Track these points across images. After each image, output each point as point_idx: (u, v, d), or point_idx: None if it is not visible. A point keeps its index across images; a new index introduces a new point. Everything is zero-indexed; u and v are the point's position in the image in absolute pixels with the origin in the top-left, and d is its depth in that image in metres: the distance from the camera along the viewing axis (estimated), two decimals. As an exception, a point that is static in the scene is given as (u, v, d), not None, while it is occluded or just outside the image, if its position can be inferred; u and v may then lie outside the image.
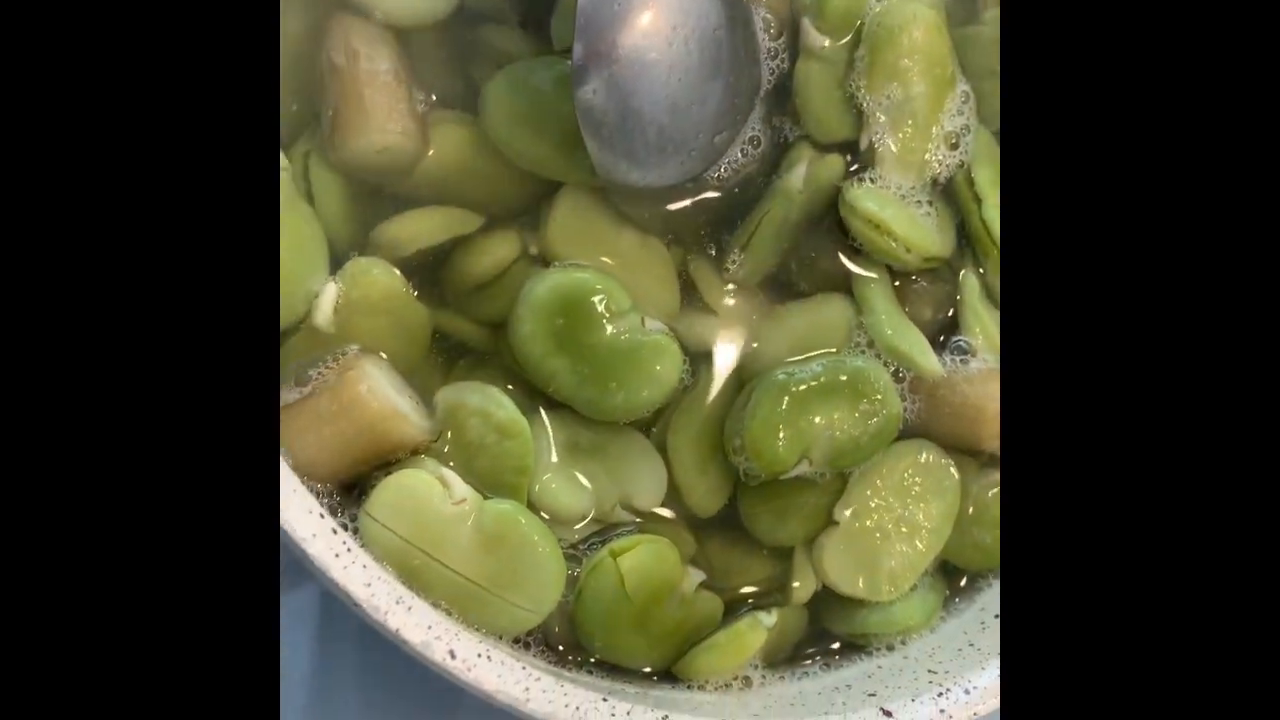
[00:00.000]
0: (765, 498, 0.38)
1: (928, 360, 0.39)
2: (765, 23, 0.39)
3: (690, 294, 0.39)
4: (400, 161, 0.35)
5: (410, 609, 0.29)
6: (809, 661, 0.38)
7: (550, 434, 0.36)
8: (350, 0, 0.35)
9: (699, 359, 0.38)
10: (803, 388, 0.37)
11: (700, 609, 0.37)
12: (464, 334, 0.37)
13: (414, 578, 0.32)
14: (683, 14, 0.35)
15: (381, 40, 0.35)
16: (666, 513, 0.38)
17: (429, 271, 0.37)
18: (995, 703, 0.34)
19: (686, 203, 0.38)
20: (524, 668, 0.30)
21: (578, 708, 0.30)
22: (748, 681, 0.36)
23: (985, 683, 0.35)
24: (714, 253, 0.39)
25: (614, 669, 0.36)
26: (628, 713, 0.30)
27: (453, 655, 0.28)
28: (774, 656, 0.38)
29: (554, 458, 0.36)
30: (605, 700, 0.30)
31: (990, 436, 0.39)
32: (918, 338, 0.39)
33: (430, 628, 0.29)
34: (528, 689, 0.29)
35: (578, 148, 0.36)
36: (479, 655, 0.29)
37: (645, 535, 0.36)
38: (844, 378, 0.37)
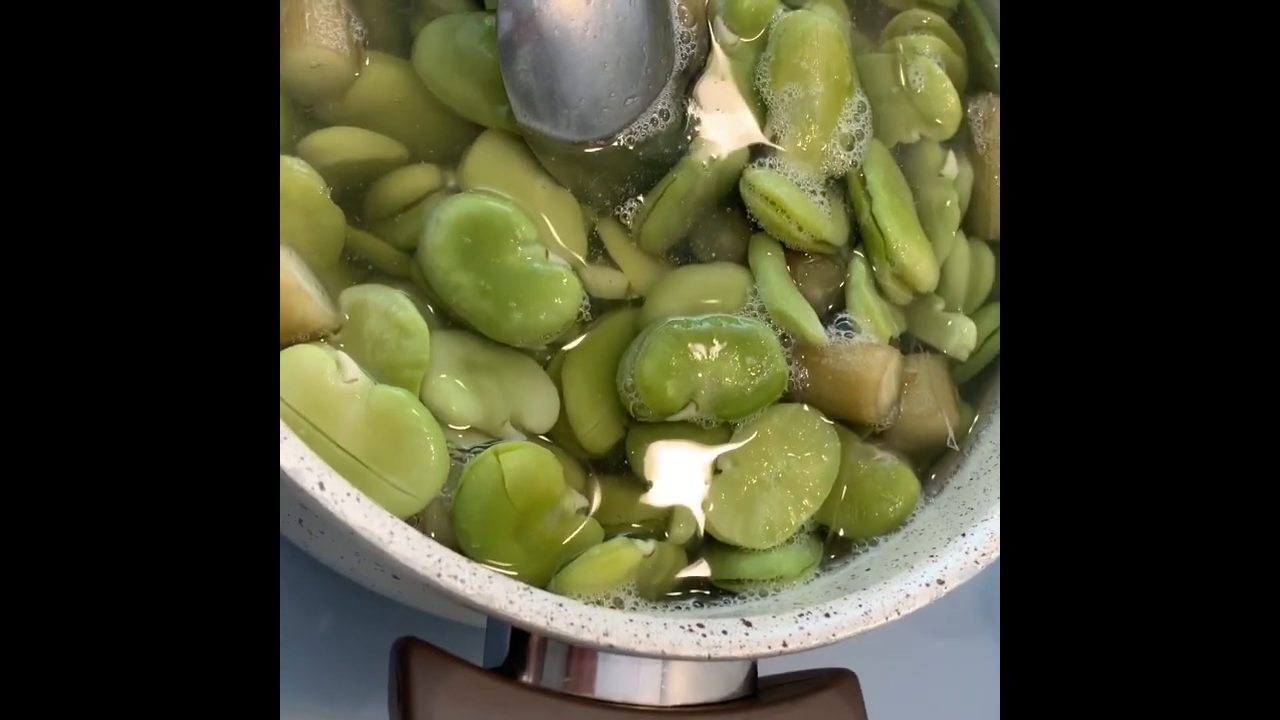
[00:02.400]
0: (653, 439, 0.40)
1: (813, 327, 0.41)
2: (680, 12, 0.43)
3: (597, 250, 0.41)
4: (332, 81, 0.38)
5: (287, 439, 0.30)
6: (682, 597, 0.39)
7: (449, 350, 0.38)
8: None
9: (600, 308, 0.41)
10: (695, 336, 0.39)
11: (580, 530, 0.38)
12: (378, 255, 0.39)
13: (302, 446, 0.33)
14: (600, -20, 0.39)
15: (327, -27, 0.39)
16: (556, 444, 0.39)
17: (352, 198, 0.39)
18: (856, 629, 0.35)
19: (598, 159, 0.41)
20: (393, 517, 0.31)
21: (440, 559, 0.31)
22: (619, 603, 0.37)
23: (847, 609, 0.36)
24: (624, 215, 0.42)
25: (489, 574, 0.37)
26: (489, 577, 0.31)
27: (322, 486, 0.30)
28: (648, 586, 0.38)
29: (450, 369, 0.38)
30: (468, 561, 0.31)
31: (869, 404, 0.42)
32: (805, 306, 0.42)
33: (303, 458, 0.30)
34: (392, 531, 0.30)
35: (500, 94, 0.39)
36: (348, 494, 0.30)
37: (531, 443, 0.37)
38: (734, 333, 0.40)
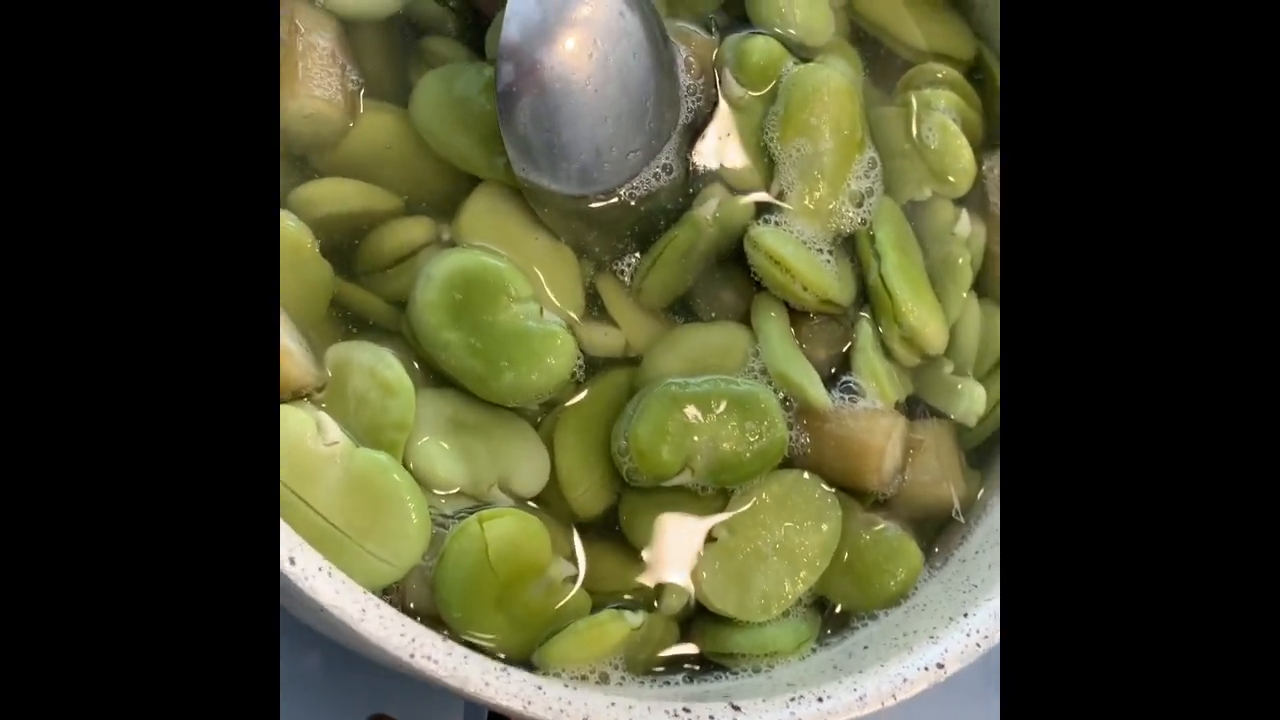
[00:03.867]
0: (646, 505, 0.39)
1: (816, 391, 0.40)
2: (687, 64, 0.42)
3: (595, 307, 0.40)
4: (325, 131, 0.38)
5: (257, 510, 0.29)
6: (671, 672, 0.38)
7: (437, 408, 0.37)
8: (299, -15, 0.39)
9: (595, 366, 0.40)
10: (692, 399, 0.38)
11: (567, 600, 0.36)
12: (368, 308, 0.38)
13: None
14: (603, 36, 0.38)
15: (323, 24, 0.38)
16: (545, 507, 0.38)
17: (343, 248, 0.38)
18: (850, 714, 0.34)
19: (598, 214, 0.40)
20: (366, 593, 0.29)
21: (413, 639, 0.29)
22: (605, 678, 0.36)
23: (842, 694, 0.34)
24: (624, 270, 0.41)
25: (469, 648, 0.35)
26: (465, 657, 0.30)
27: (293, 562, 0.28)
28: (635, 660, 0.37)
29: (437, 430, 0.36)
30: (444, 640, 0.30)
31: (872, 472, 0.40)
32: (808, 369, 0.40)
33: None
34: (364, 609, 0.29)
35: (498, 146, 0.38)
36: (319, 569, 0.29)
37: (517, 510, 0.36)
38: (733, 395, 0.38)
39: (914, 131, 0.44)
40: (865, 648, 0.38)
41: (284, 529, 0.29)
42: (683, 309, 0.41)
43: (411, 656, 0.29)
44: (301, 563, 0.29)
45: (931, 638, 0.37)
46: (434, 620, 0.35)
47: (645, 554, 0.38)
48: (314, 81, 0.36)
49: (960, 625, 0.37)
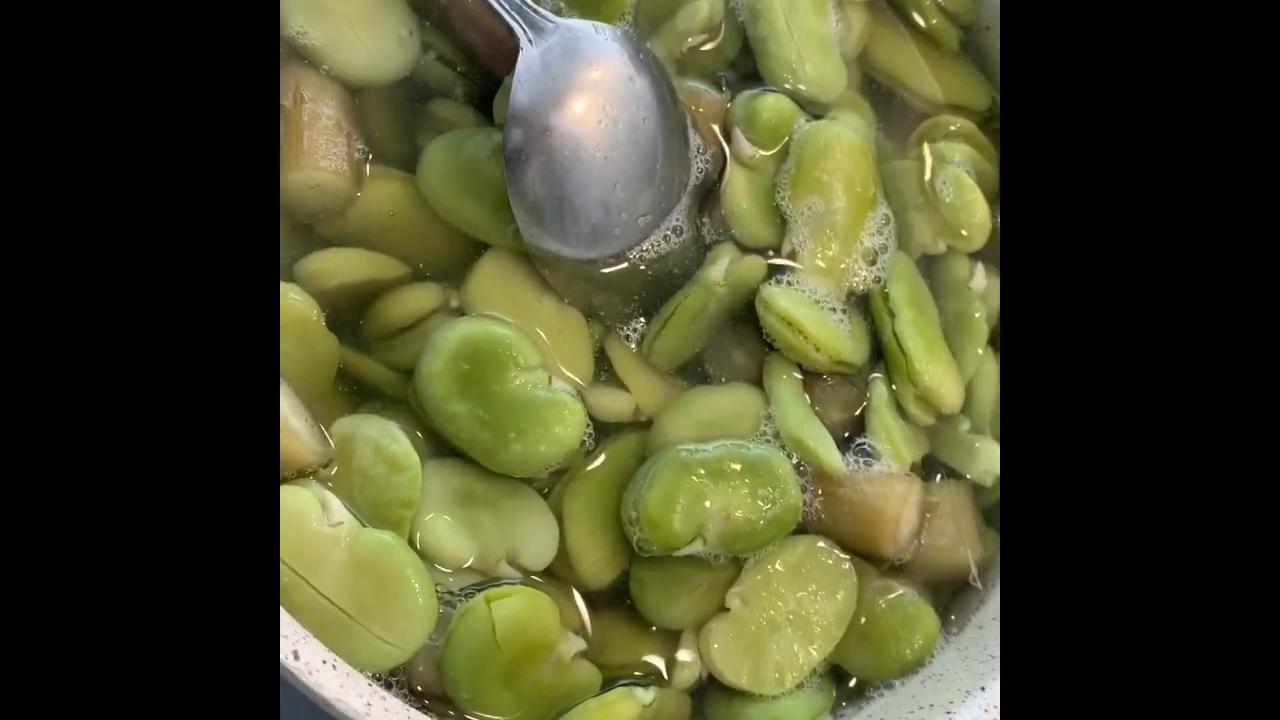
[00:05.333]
0: (657, 575, 0.38)
1: (830, 456, 0.39)
2: (695, 124, 0.42)
3: (604, 370, 0.40)
4: (331, 200, 0.37)
5: (260, 603, 0.28)
6: (683, 747, 0.37)
7: (444, 480, 0.36)
8: (302, 51, 0.38)
9: (605, 431, 0.39)
10: (703, 466, 0.37)
11: (576, 677, 0.36)
12: (375, 377, 0.37)
13: (281, 596, 0.31)
14: (612, 102, 0.38)
15: (329, 91, 0.38)
16: (554, 578, 0.37)
17: (350, 316, 0.38)
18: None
19: (607, 277, 0.40)
20: (369, 684, 0.29)
21: (419, 732, 0.29)
22: (616, 757, 0.35)
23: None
24: (632, 333, 0.40)
25: (477, 730, 0.35)
26: (473, 749, 0.29)
27: (296, 656, 0.28)
28: (647, 737, 0.36)
29: (444, 503, 0.36)
30: (451, 731, 0.29)
31: (887, 539, 0.39)
32: (822, 433, 0.40)
33: (280, 625, 0.28)
34: (369, 703, 0.28)
35: (506, 212, 0.38)
36: (324, 662, 0.28)
37: (525, 587, 0.35)
38: (745, 461, 0.38)
39: (928, 185, 0.44)
40: (882, 720, 0.38)
41: (287, 620, 0.29)
42: (694, 371, 0.41)
43: (418, 750, 0.29)
44: (305, 656, 0.28)
45: (948, 713, 0.36)
46: (442, 700, 0.35)
47: (656, 626, 0.38)
48: (319, 152, 0.36)
49: (977, 700, 0.36)
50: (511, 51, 0.37)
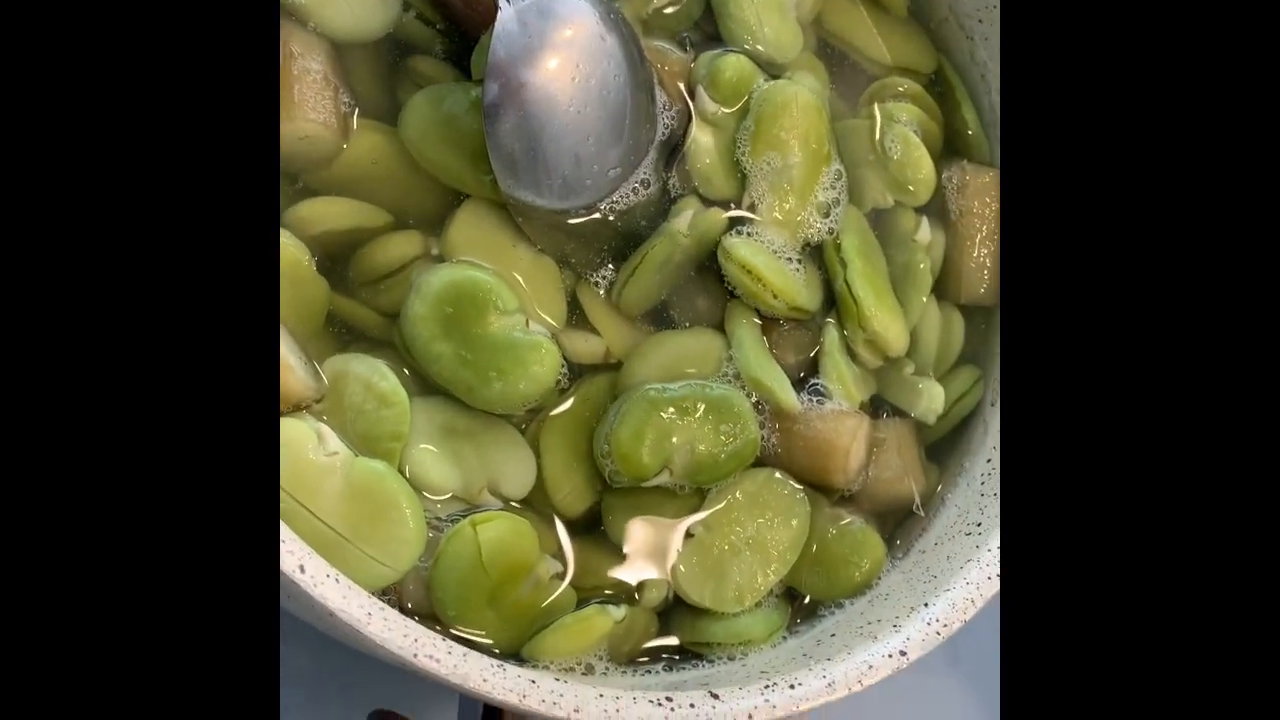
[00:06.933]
0: (627, 504, 0.41)
1: (786, 395, 0.42)
2: (661, 81, 0.44)
3: (576, 314, 0.42)
4: (319, 151, 0.39)
5: (269, 522, 0.31)
6: (651, 662, 0.40)
7: (429, 416, 0.39)
8: (291, 8, 0.40)
9: (578, 372, 0.42)
10: (670, 404, 0.40)
11: (553, 596, 0.39)
12: (362, 320, 0.40)
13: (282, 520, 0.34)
14: (585, 59, 0.40)
15: (316, 47, 0.39)
16: (532, 508, 0.40)
17: (337, 263, 0.40)
18: (820, 699, 0.37)
19: (579, 227, 0.42)
20: (371, 597, 0.31)
21: (416, 639, 0.31)
22: (590, 669, 0.38)
23: (812, 680, 0.37)
24: (602, 280, 0.43)
25: (462, 643, 0.37)
26: (464, 655, 0.32)
27: (302, 569, 0.30)
28: (619, 652, 0.39)
29: (429, 436, 0.38)
30: (444, 639, 0.32)
31: (838, 471, 0.43)
32: (779, 374, 0.43)
33: (285, 542, 0.31)
34: (370, 613, 0.31)
35: (484, 163, 0.40)
36: (327, 575, 0.31)
37: (507, 513, 0.38)
38: (708, 399, 0.41)
39: (878, 143, 0.46)
40: (833, 635, 0.41)
41: (291, 537, 0.31)
42: (660, 317, 0.43)
43: (415, 656, 0.31)
44: (310, 570, 0.30)
45: (895, 626, 0.39)
46: (429, 618, 0.37)
47: (626, 551, 0.41)
48: (309, 104, 0.38)
49: (921, 614, 0.39)
50: (488, 11, 0.39)
